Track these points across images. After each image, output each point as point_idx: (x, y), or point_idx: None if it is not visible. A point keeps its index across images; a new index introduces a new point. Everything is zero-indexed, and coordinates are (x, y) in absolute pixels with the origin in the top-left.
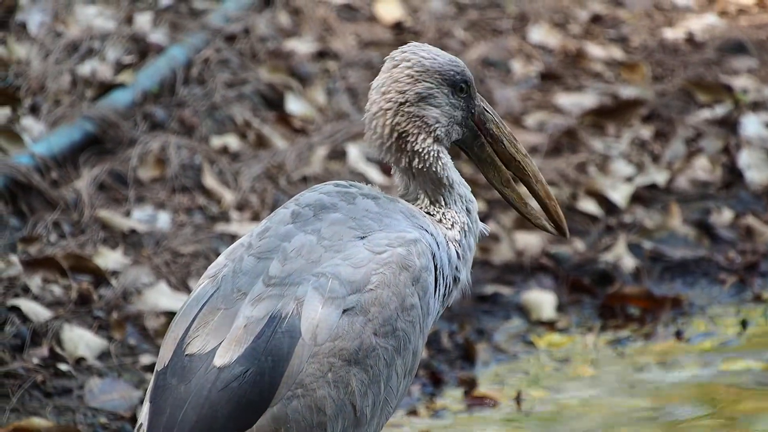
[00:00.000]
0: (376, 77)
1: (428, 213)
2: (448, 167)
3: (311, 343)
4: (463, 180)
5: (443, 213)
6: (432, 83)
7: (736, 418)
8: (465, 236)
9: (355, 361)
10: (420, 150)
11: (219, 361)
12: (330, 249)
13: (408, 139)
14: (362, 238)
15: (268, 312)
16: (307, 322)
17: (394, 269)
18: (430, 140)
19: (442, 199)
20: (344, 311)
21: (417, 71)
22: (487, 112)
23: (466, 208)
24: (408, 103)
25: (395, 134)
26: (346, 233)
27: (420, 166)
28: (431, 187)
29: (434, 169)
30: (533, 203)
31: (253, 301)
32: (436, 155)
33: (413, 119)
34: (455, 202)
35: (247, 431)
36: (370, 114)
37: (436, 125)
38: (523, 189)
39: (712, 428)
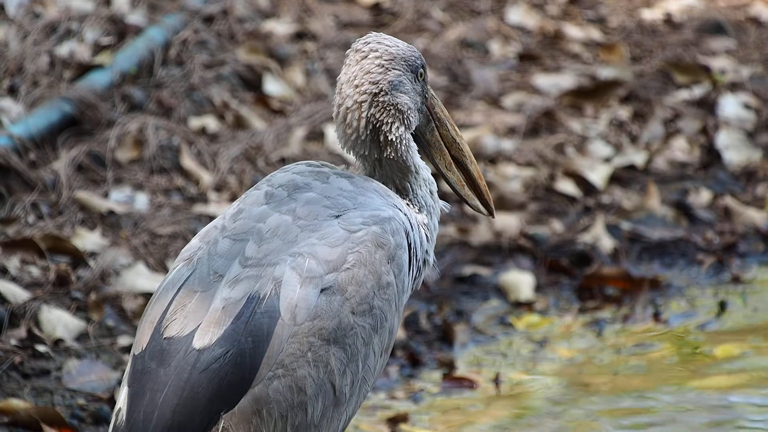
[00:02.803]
0: (342, 72)
1: None
2: (414, 153)
3: (291, 323)
4: (423, 163)
5: (410, 198)
6: (400, 71)
7: (712, 399)
8: (431, 218)
9: (334, 340)
10: (393, 139)
11: (198, 343)
12: (306, 228)
13: (383, 128)
14: (337, 216)
15: (246, 293)
16: (286, 302)
17: (369, 248)
18: (402, 128)
19: (409, 185)
20: (322, 290)
21: (387, 60)
22: (434, 96)
23: (429, 191)
24: (382, 93)
25: (370, 126)
26: (321, 212)
27: (393, 156)
28: (399, 175)
29: (404, 157)
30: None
31: (230, 282)
32: (407, 143)
33: (388, 108)
34: (420, 186)
35: (228, 412)
36: (343, 109)
37: (408, 112)
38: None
39: (688, 409)
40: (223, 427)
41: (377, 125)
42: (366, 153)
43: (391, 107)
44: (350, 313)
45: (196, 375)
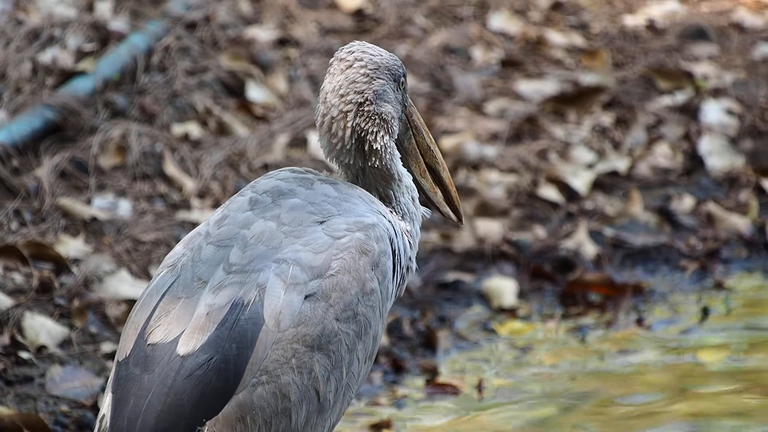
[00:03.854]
0: (327, 81)
1: None
2: (397, 161)
3: (275, 330)
4: (405, 170)
5: (393, 206)
6: (384, 80)
7: (696, 405)
8: (413, 225)
9: (318, 346)
10: (378, 148)
11: (182, 349)
12: (290, 235)
13: (368, 138)
14: (321, 222)
15: (230, 299)
16: (270, 308)
17: (353, 254)
18: (387, 137)
19: (392, 193)
20: (306, 297)
21: (371, 69)
22: (411, 104)
23: (411, 197)
24: (368, 102)
25: (356, 135)
26: (305, 218)
27: (377, 165)
28: (382, 183)
29: (388, 166)
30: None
31: (214, 288)
32: (391, 151)
33: (373, 118)
34: (403, 194)
35: (212, 419)
36: (328, 118)
37: (392, 120)
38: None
39: (671, 415)
40: None
41: (362, 134)
42: (350, 162)
43: (376, 116)
44: (334, 320)
45: (180, 381)
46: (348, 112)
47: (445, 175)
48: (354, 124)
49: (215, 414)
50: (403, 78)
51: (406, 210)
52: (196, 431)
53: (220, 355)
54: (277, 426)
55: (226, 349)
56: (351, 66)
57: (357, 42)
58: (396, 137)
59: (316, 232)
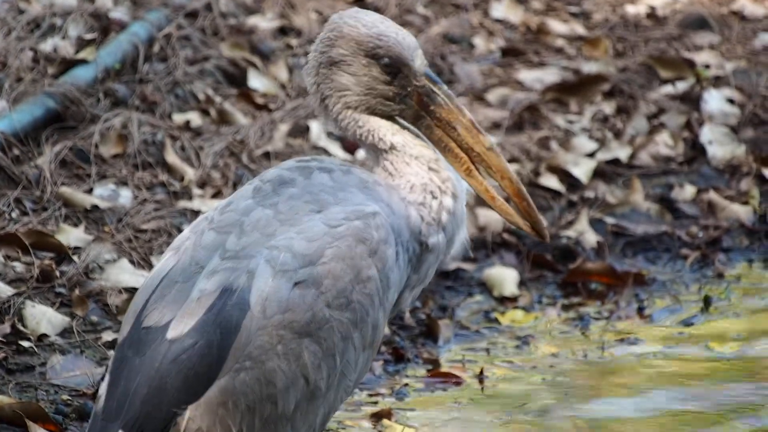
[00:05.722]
0: None
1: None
2: (382, 131)
3: (260, 316)
4: (421, 141)
5: (394, 176)
6: (346, 50)
7: (698, 394)
8: (433, 197)
9: (307, 333)
10: (333, 114)
11: (171, 333)
12: (285, 223)
13: (326, 101)
14: (319, 212)
15: (220, 285)
16: (257, 294)
17: (349, 242)
18: (339, 106)
19: (389, 163)
20: (296, 284)
21: (334, 35)
22: (436, 93)
23: (428, 167)
24: (322, 65)
25: (319, 93)
26: (302, 208)
27: (339, 132)
28: (372, 153)
29: (357, 135)
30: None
31: (208, 274)
32: (353, 122)
33: (326, 81)
34: (408, 163)
35: (194, 403)
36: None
37: (346, 92)
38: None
39: (673, 404)
40: (188, 417)
41: (321, 96)
42: (325, 122)
43: (330, 81)
44: (325, 307)
45: (166, 365)
46: (312, 67)
47: (507, 184)
48: (314, 81)
49: (198, 398)
50: (387, 59)
51: (415, 180)
52: (178, 415)
53: (204, 340)
54: (262, 412)
55: (211, 334)
56: (326, 26)
57: (356, 9)
58: (364, 111)
59: (312, 221)
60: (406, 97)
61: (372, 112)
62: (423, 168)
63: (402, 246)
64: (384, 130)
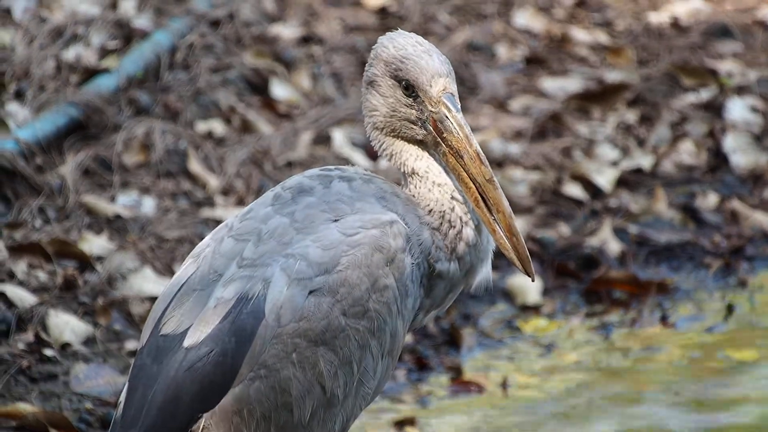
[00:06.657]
0: None
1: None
2: (404, 156)
3: (275, 324)
4: (437, 167)
5: (416, 196)
6: (377, 71)
7: (722, 402)
8: (451, 225)
9: (323, 341)
10: (367, 133)
11: (188, 341)
12: (301, 231)
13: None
14: (335, 221)
15: (237, 293)
16: (271, 303)
17: (366, 251)
18: (369, 126)
19: (413, 186)
20: (311, 292)
21: (373, 56)
22: (449, 120)
23: (451, 196)
24: (364, 84)
25: (364, 110)
26: (318, 216)
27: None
28: (399, 171)
29: (385, 156)
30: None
31: (225, 282)
32: (379, 143)
33: (364, 101)
34: (430, 190)
35: (209, 411)
36: None
37: (374, 113)
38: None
39: (697, 412)
40: (203, 425)
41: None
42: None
43: (366, 100)
44: (341, 315)
45: (182, 373)
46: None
47: (500, 218)
48: (362, 99)
49: (213, 407)
50: (404, 82)
51: (434, 206)
52: (194, 423)
53: (219, 348)
54: (278, 420)
55: (226, 343)
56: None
57: (399, 32)
58: (389, 134)
59: (329, 229)
60: (426, 122)
61: (398, 135)
62: (445, 196)
63: (413, 261)
64: (407, 155)
